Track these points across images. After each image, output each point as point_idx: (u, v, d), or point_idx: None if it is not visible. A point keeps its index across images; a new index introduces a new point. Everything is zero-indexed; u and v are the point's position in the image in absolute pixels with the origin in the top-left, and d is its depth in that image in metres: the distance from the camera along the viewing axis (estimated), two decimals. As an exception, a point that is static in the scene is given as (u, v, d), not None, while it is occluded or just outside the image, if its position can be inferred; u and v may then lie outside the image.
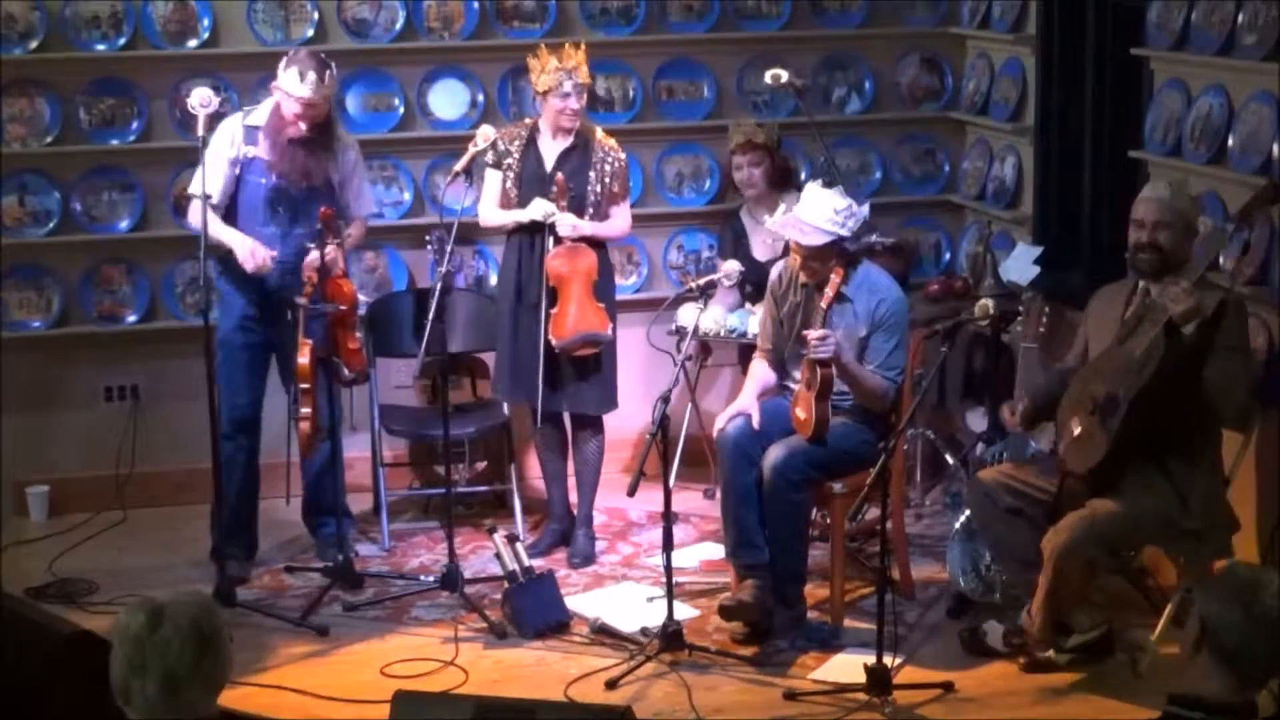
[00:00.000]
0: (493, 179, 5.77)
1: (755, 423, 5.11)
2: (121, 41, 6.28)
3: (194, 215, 5.46)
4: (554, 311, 5.60)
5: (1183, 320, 4.42)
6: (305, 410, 5.47)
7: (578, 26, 6.59)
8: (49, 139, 6.26)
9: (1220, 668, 2.84)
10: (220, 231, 5.48)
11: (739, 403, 5.23)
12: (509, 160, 5.71)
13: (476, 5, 6.53)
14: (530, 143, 5.72)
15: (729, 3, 6.71)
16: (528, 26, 6.54)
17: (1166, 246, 4.66)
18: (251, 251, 5.43)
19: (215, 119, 5.50)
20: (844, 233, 5.02)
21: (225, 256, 5.57)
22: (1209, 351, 4.47)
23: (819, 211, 5.02)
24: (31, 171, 6.26)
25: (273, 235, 5.53)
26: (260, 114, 5.54)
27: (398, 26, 6.47)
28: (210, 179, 5.42)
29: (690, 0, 6.70)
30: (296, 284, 5.44)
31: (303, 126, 5.44)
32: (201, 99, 5.32)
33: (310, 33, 6.41)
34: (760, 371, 5.34)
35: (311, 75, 5.38)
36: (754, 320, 5.92)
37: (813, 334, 4.97)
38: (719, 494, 5.27)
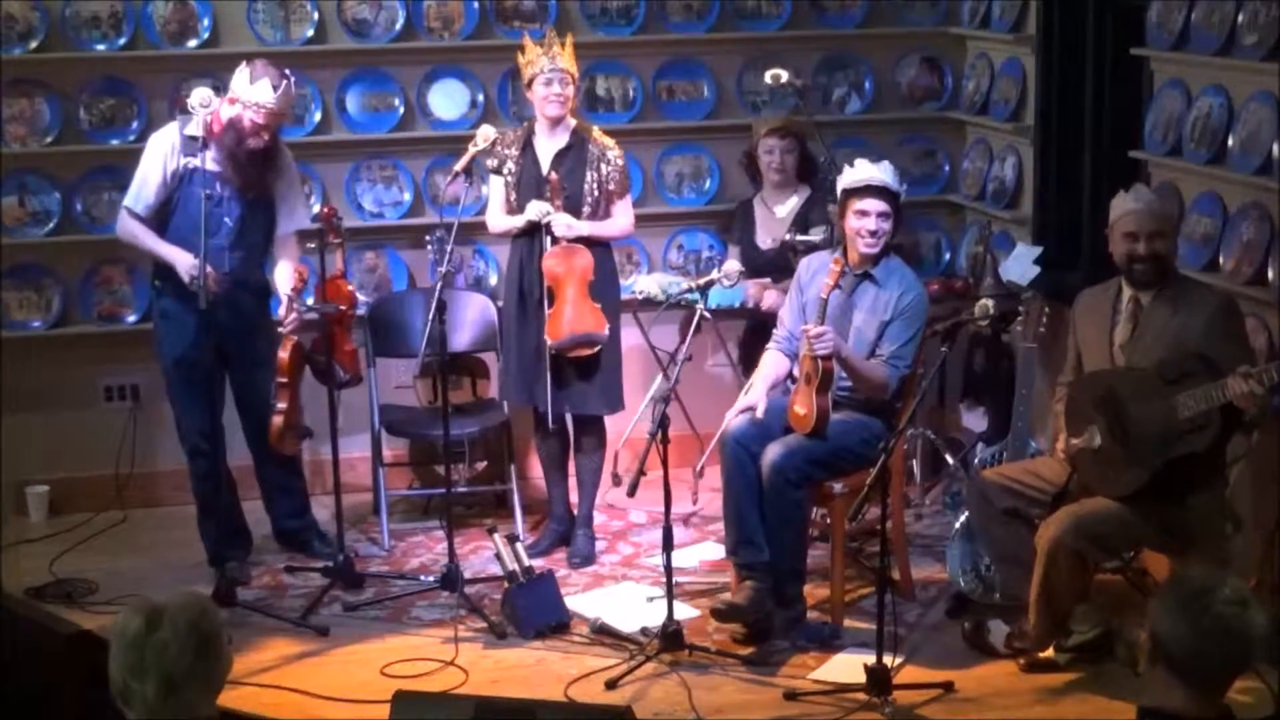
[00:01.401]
0: (496, 185, 5.77)
1: (760, 413, 5.10)
2: (121, 41, 6.28)
3: (122, 228, 5.51)
4: (550, 312, 5.60)
5: (1245, 407, 4.35)
6: (281, 405, 5.47)
7: (578, 26, 6.58)
8: (49, 139, 6.26)
9: (1176, 680, 2.80)
10: (158, 246, 5.43)
11: (747, 398, 5.23)
12: (508, 165, 5.71)
13: (476, 5, 6.53)
14: (527, 145, 5.72)
15: (729, 3, 6.71)
16: (528, 26, 6.52)
17: (1165, 253, 4.65)
18: (191, 268, 5.31)
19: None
20: (902, 191, 5.20)
21: (169, 274, 5.48)
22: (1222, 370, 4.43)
23: (881, 171, 5.15)
24: (31, 171, 6.26)
25: (217, 248, 5.44)
26: (199, 124, 5.36)
27: (398, 26, 6.47)
28: (147, 190, 5.43)
29: (690, 0, 6.70)
30: (244, 297, 5.46)
31: (265, 137, 5.40)
32: (201, 99, 5.31)
33: (310, 33, 6.42)
34: (771, 363, 5.33)
35: (283, 84, 5.37)
36: (684, 284, 5.91)
37: (811, 330, 4.98)
38: (722, 492, 5.26)
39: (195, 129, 5.37)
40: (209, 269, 5.27)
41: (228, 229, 5.49)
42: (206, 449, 5.61)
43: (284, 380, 5.48)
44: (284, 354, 5.47)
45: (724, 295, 5.84)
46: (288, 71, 5.48)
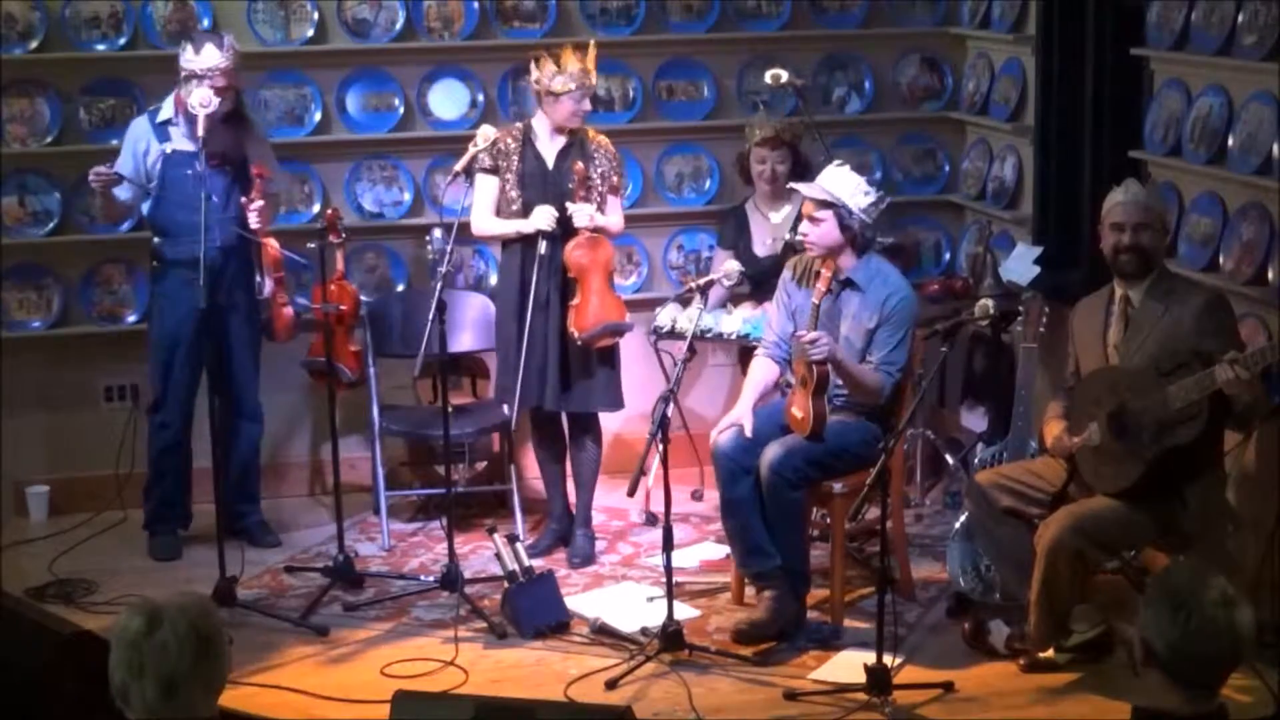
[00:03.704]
0: (487, 185, 5.71)
1: (748, 431, 5.09)
2: (121, 41, 6.28)
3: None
4: (575, 304, 5.60)
5: (1233, 394, 4.36)
6: (284, 298, 5.72)
7: (578, 26, 6.59)
8: (49, 139, 6.26)
9: (1170, 682, 2.82)
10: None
11: (734, 412, 5.21)
12: (507, 163, 5.68)
13: (476, 5, 6.53)
14: (527, 144, 5.71)
15: (729, 3, 6.71)
16: (528, 26, 6.54)
17: (1148, 246, 4.66)
18: (93, 175, 5.58)
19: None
20: (850, 203, 5.08)
21: (163, 253, 5.74)
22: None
23: (834, 180, 5.12)
24: (31, 171, 6.26)
25: (211, 223, 5.56)
26: (168, 110, 5.70)
27: (398, 26, 6.47)
28: (123, 170, 5.67)
29: (690, 0, 6.70)
30: (237, 269, 5.64)
31: (216, 102, 5.50)
32: (201, 99, 5.37)
33: (310, 33, 6.42)
34: (760, 370, 5.33)
35: (224, 42, 5.61)
36: (727, 320, 5.92)
37: (805, 336, 4.98)
38: (719, 506, 5.26)
39: (166, 114, 5.66)
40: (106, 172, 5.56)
41: (214, 204, 5.59)
42: (178, 423, 5.84)
43: (280, 275, 5.71)
44: (274, 248, 5.68)
45: (760, 328, 5.86)
46: (222, 33, 5.74)
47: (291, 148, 6.39)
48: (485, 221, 5.75)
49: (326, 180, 6.48)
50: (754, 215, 6.24)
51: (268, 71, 6.40)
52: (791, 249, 5.92)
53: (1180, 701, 2.82)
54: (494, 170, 5.69)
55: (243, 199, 5.62)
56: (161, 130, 5.70)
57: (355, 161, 6.53)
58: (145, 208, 5.79)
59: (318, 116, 6.47)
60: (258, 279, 5.74)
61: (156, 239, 5.78)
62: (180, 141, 5.67)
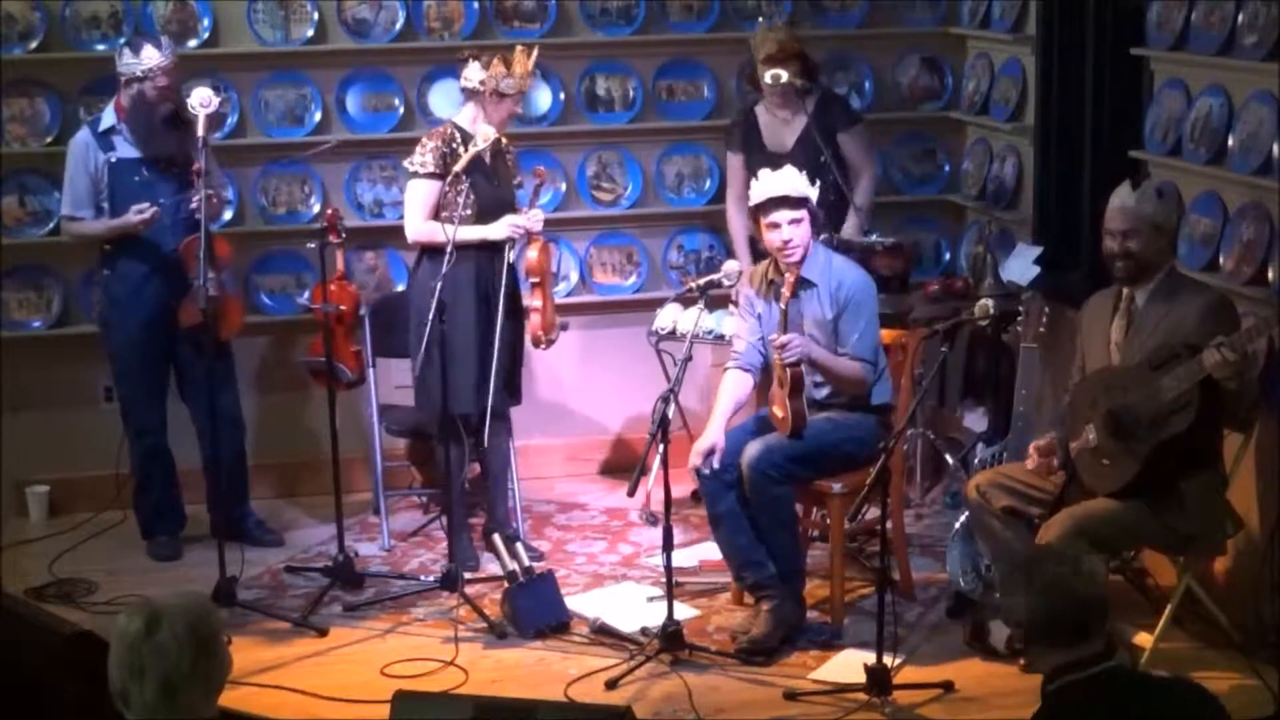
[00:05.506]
0: (430, 190, 5.55)
1: (717, 460, 5.03)
2: (122, 41, 6.27)
3: (67, 232, 5.86)
4: (538, 307, 5.64)
5: (1223, 377, 4.38)
6: (230, 294, 5.81)
7: (578, 26, 6.59)
8: (49, 139, 6.26)
9: (1049, 648, 3.08)
10: (107, 223, 5.67)
11: (707, 436, 5.11)
12: (458, 167, 5.51)
13: (476, 5, 6.53)
14: (466, 146, 5.55)
15: (729, 3, 6.71)
16: (528, 26, 6.54)
17: (1138, 252, 4.65)
18: (133, 212, 5.56)
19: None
20: (813, 197, 5.11)
21: (115, 264, 5.73)
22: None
23: (796, 180, 5.11)
24: (31, 171, 6.26)
25: (162, 228, 5.63)
26: (110, 118, 5.68)
27: (398, 26, 6.48)
28: (79, 192, 5.68)
29: (690, 0, 6.70)
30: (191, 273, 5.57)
31: (172, 100, 5.55)
32: (201, 99, 5.37)
33: (310, 33, 6.42)
34: (731, 385, 5.25)
35: (163, 41, 5.64)
36: (729, 321, 5.93)
37: (777, 340, 4.99)
38: (708, 522, 5.25)
39: (108, 123, 5.65)
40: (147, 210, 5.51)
41: (166, 208, 5.62)
42: (156, 430, 5.85)
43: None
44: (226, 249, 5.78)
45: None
46: (159, 35, 5.76)
47: (291, 148, 6.39)
48: (431, 226, 5.55)
49: (326, 180, 6.48)
50: (764, 115, 6.15)
51: (268, 71, 6.40)
52: (844, 246, 5.85)
53: (1067, 656, 3.05)
54: (442, 175, 5.53)
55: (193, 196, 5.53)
56: (105, 140, 5.67)
57: (355, 162, 6.53)
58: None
59: (318, 116, 6.47)
60: (209, 275, 5.43)
61: (107, 247, 5.74)
62: (125, 149, 5.66)
